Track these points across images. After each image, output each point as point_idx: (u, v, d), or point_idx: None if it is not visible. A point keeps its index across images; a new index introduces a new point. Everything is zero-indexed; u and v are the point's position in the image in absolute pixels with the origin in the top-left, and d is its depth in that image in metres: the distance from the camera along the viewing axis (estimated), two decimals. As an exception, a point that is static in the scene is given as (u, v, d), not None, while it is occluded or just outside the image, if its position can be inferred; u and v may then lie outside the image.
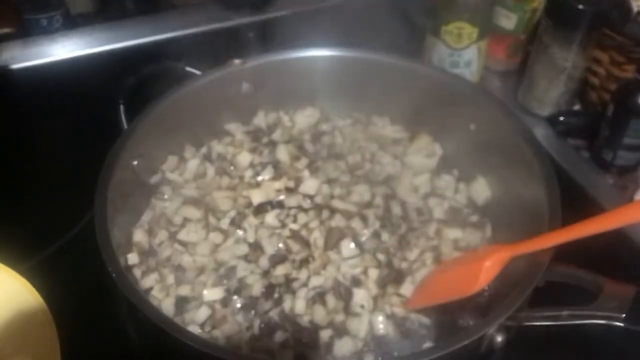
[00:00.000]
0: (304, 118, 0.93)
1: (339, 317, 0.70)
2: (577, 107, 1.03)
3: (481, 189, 0.84)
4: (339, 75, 0.91)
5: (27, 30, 1.21)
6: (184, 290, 0.73)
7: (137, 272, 0.74)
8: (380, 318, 0.70)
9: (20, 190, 0.88)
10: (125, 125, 0.81)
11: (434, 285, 0.72)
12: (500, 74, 1.11)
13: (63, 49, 1.17)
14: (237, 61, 0.86)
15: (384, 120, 0.94)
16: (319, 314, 0.70)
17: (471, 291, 0.65)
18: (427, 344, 0.67)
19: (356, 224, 0.79)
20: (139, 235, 0.77)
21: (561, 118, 0.97)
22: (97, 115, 0.90)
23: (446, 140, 0.89)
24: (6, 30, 1.20)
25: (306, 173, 0.85)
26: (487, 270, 0.64)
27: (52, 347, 0.62)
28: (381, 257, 0.76)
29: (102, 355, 0.69)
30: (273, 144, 0.89)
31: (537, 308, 0.62)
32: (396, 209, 0.82)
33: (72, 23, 1.24)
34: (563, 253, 0.63)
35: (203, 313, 0.70)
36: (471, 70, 0.99)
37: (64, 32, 1.21)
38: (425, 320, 0.70)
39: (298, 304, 0.70)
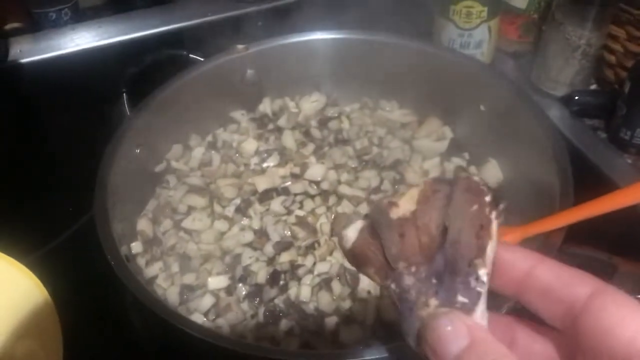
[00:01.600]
0: (310, 104, 0.92)
1: (345, 304, 0.68)
2: (593, 86, 1.00)
3: (493, 172, 0.81)
4: (345, 59, 0.90)
5: (36, 25, 1.21)
6: (189, 279, 0.72)
7: (142, 261, 0.73)
8: (388, 304, 0.68)
9: (27, 182, 0.88)
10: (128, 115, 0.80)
11: None
12: (513, 54, 1.07)
13: (72, 42, 1.17)
14: (240, 46, 0.85)
15: (392, 104, 0.92)
16: (325, 301, 0.68)
17: None
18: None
19: (364, 209, 0.77)
20: (143, 224, 0.76)
21: (576, 97, 0.93)
22: (104, 107, 0.89)
23: (456, 123, 0.87)
24: (15, 25, 1.21)
25: (312, 159, 0.84)
26: None
27: (55, 336, 0.62)
28: (389, 242, 0.74)
29: (105, 344, 0.68)
30: (279, 131, 0.88)
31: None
32: (405, 194, 0.79)
33: (81, 16, 1.24)
34: (576, 233, 0.60)
35: (207, 301, 0.69)
36: (482, 50, 0.96)
37: (73, 25, 1.20)
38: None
39: (303, 291, 0.69)
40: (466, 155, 0.85)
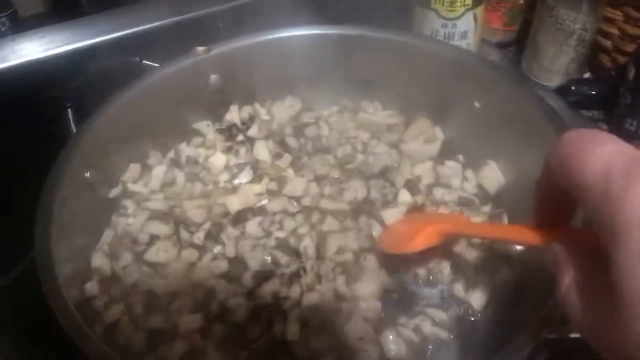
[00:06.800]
0: (284, 109, 0.82)
1: (342, 340, 0.59)
2: (586, 74, 0.93)
3: (493, 175, 0.73)
4: (319, 57, 0.81)
5: (-29, 37, 1.09)
6: (156, 321, 0.61)
7: (99, 304, 0.62)
8: (391, 337, 0.58)
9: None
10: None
11: (393, 232, 0.66)
12: (497, 45, 1.00)
13: (12, 54, 1.04)
14: (200, 49, 0.75)
15: (375, 105, 0.83)
16: (318, 339, 0.58)
17: (402, 250, 0.61)
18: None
19: (350, 224, 0.68)
20: (98, 260, 0.65)
21: (573, 87, 0.86)
22: (49, 126, 0.79)
23: (447, 122, 0.79)
24: (-53, 38, 1.08)
25: (290, 172, 0.75)
26: (421, 238, 0.60)
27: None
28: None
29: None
30: (250, 142, 0.79)
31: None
32: (397, 204, 0.71)
33: (22, 26, 1.13)
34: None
35: (179, 347, 0.59)
36: (468, 41, 0.88)
37: (12, 36, 1.08)
38: (444, 334, 0.60)
39: (290, 329, 0.59)
40: (461, 157, 0.77)
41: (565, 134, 0.32)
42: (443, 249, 0.65)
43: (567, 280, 0.34)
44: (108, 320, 0.61)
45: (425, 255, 0.64)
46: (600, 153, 0.29)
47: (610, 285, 0.28)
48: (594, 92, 0.86)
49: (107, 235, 0.69)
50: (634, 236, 0.26)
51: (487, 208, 0.72)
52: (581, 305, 0.32)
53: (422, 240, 0.60)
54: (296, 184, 0.72)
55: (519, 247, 0.64)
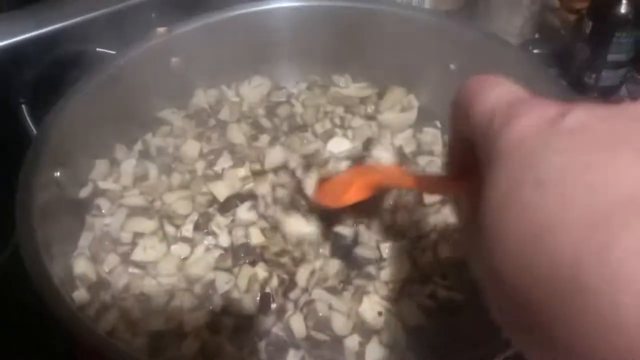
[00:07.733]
0: (252, 89, 0.78)
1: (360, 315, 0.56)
2: (536, 35, 0.95)
3: (474, 137, 0.72)
4: (283, 32, 0.78)
5: None
6: (157, 323, 0.57)
7: (91, 312, 0.57)
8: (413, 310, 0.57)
9: None
10: (34, 131, 0.63)
11: (329, 186, 0.63)
12: (446, 14, 1.00)
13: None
14: (160, 30, 0.70)
15: (346, 78, 0.81)
16: (337, 320, 0.56)
17: (337, 204, 0.59)
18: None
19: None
20: (81, 266, 0.59)
21: (530, 47, 0.87)
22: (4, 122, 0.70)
23: (421, 88, 0.78)
24: None
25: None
26: (353, 191, 0.57)
27: None
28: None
29: None
30: (222, 126, 0.74)
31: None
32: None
33: None
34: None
35: (190, 345, 0.54)
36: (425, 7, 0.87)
37: None
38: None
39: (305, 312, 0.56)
40: (437, 123, 0.76)
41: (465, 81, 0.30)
42: None
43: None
44: (103, 328, 0.56)
45: None
46: (490, 94, 0.28)
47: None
48: (553, 51, 0.88)
49: (85, 239, 0.63)
50: (502, 173, 0.24)
51: (471, 169, 0.71)
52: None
53: (354, 193, 0.58)
54: (275, 153, 0.68)
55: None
